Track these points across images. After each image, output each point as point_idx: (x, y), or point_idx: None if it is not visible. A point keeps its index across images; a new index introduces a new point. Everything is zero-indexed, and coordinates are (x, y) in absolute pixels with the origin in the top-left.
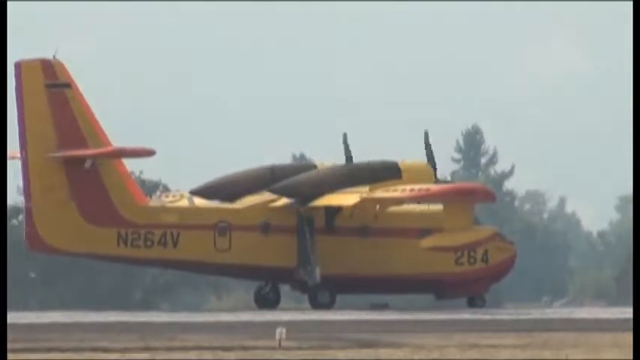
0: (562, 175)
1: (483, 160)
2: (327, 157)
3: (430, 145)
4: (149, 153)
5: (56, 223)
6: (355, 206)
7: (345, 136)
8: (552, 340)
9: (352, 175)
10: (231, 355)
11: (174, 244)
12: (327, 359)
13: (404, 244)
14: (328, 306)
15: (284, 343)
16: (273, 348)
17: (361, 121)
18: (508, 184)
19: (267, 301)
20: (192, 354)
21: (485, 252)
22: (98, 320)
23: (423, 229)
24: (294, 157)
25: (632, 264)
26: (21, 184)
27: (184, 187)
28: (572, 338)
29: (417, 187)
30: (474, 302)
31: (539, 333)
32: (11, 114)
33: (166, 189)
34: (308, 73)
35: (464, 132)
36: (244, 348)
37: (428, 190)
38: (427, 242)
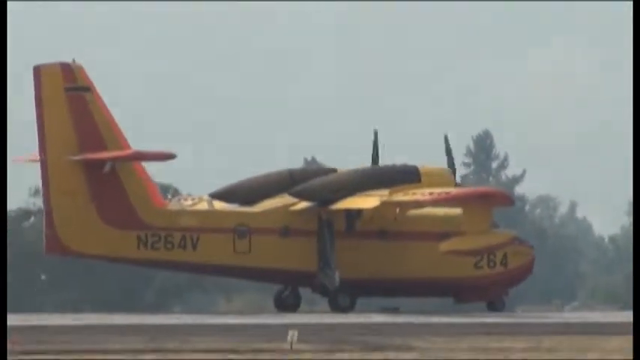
0: (573, 180)
1: (494, 165)
2: (337, 161)
3: (450, 149)
4: (169, 157)
5: (76, 225)
6: (375, 209)
7: (375, 133)
8: (562, 344)
9: (372, 178)
10: (242, 357)
11: (194, 247)
12: None
13: (423, 247)
14: (348, 309)
15: (295, 346)
16: (284, 351)
17: (371, 124)
18: (519, 189)
19: (287, 304)
20: (203, 356)
21: (505, 256)
22: (109, 322)
23: (442, 232)
24: (305, 161)
25: (633, 264)
26: (34, 186)
27: (194, 190)
28: (582, 342)
29: (436, 190)
30: (493, 306)
31: (549, 336)
32: (30, 117)
33: (177, 192)
34: (318, 74)
35: (474, 137)
36: (255, 351)
37: (448, 193)
38: (446, 246)
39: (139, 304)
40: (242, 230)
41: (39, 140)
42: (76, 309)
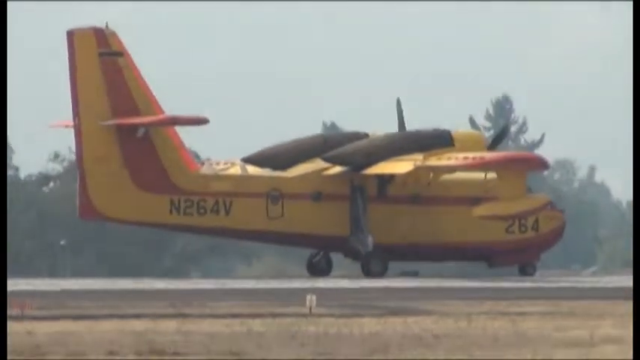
0: (592, 144)
1: (513, 129)
2: (359, 125)
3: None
4: (202, 121)
5: (109, 191)
6: (408, 174)
7: (398, 101)
8: (579, 309)
9: (405, 143)
10: (261, 322)
11: (227, 212)
12: (356, 327)
13: (456, 212)
14: (381, 274)
15: (314, 310)
16: (303, 315)
17: (391, 91)
18: (538, 153)
19: (319, 269)
20: (222, 322)
21: (536, 220)
22: (129, 287)
23: (476, 197)
24: (324, 125)
25: (633, 263)
26: (54, 151)
27: (217, 157)
28: (599, 307)
29: (470, 155)
30: (524, 270)
31: (567, 301)
32: (64, 82)
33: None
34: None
35: (493, 101)
36: (274, 315)
37: (482, 158)
38: (481, 210)
39: (158, 269)
40: (275, 195)
41: (72, 106)
42: (94, 274)
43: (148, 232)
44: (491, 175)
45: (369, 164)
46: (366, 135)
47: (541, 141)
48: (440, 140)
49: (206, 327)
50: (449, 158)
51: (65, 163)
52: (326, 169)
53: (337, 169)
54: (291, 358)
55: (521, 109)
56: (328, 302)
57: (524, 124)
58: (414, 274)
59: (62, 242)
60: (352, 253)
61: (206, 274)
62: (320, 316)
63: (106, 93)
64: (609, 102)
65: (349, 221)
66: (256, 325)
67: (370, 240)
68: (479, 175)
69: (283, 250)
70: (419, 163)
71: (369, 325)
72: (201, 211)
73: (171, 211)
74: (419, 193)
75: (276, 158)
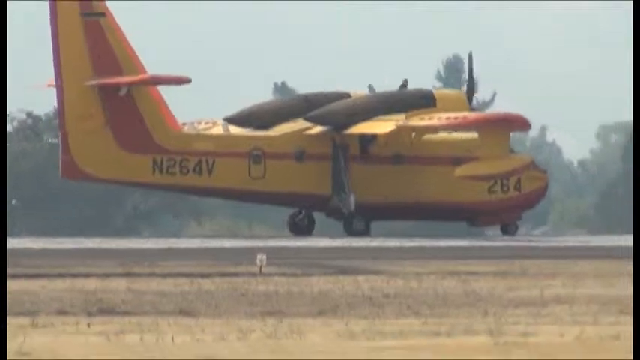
0: (542, 103)
1: (464, 89)
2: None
3: (472, 65)
4: (185, 81)
5: (92, 150)
6: (391, 134)
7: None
8: (531, 268)
9: (387, 103)
10: (210, 281)
11: (210, 172)
12: (305, 286)
13: (438, 172)
14: (363, 233)
15: (264, 270)
16: (253, 274)
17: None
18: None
19: (301, 228)
20: (172, 281)
21: (518, 180)
22: (79, 246)
23: (458, 157)
24: (275, 86)
25: (632, 262)
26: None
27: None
28: (551, 266)
29: (453, 115)
30: (506, 230)
31: (519, 260)
32: (47, 43)
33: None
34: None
35: (444, 61)
36: (224, 274)
37: (465, 118)
38: (463, 171)
39: (110, 228)
40: (257, 155)
41: (54, 66)
42: (46, 233)
43: (100, 190)
44: (474, 135)
45: (352, 124)
46: (347, 95)
47: (492, 100)
48: (422, 100)
49: (155, 286)
50: (431, 118)
51: (15, 123)
52: (308, 128)
53: (319, 128)
54: (241, 316)
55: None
56: (279, 261)
57: (475, 83)
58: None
59: (13, 202)
60: (334, 213)
61: (158, 233)
62: (270, 275)
63: (88, 53)
64: (561, 61)
65: (331, 181)
66: (206, 284)
67: (352, 199)
68: (462, 135)
69: (235, 209)
70: (401, 123)
71: (318, 283)
72: (184, 170)
73: (154, 171)
74: (401, 153)
75: (259, 118)
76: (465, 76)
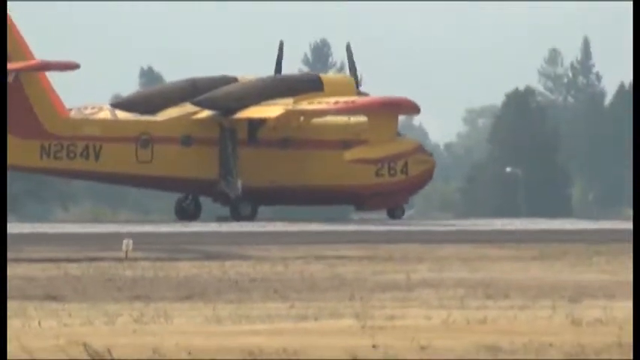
0: (409, 86)
1: (331, 73)
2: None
3: (352, 55)
4: (74, 66)
5: None
6: (279, 118)
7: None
8: (397, 253)
9: (275, 87)
10: (77, 266)
11: (97, 157)
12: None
13: (326, 156)
14: (250, 218)
15: (130, 255)
16: (119, 259)
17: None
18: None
19: (187, 212)
20: (38, 266)
21: (406, 164)
22: None
23: (346, 141)
24: (142, 70)
25: (632, 266)
26: None
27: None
28: (417, 251)
29: (342, 99)
30: (393, 213)
31: (386, 245)
32: None
33: None
34: None
35: (312, 45)
36: (90, 259)
37: (353, 102)
38: (351, 154)
39: None
40: (144, 139)
41: None
42: None
43: None
44: (362, 118)
45: (240, 108)
46: (235, 79)
47: (359, 84)
48: (310, 84)
49: (22, 271)
50: (320, 102)
51: None
52: (196, 112)
53: (207, 113)
54: (108, 301)
55: (340, 53)
56: (145, 246)
57: (342, 67)
58: (229, 219)
59: None
60: (221, 197)
61: (22, 218)
62: (136, 260)
63: None
64: (429, 44)
65: (219, 165)
66: (73, 269)
67: (239, 184)
68: (350, 119)
69: (100, 194)
70: (289, 107)
71: (185, 268)
72: (71, 155)
73: (41, 156)
74: (289, 137)
75: (146, 103)
76: (333, 59)
